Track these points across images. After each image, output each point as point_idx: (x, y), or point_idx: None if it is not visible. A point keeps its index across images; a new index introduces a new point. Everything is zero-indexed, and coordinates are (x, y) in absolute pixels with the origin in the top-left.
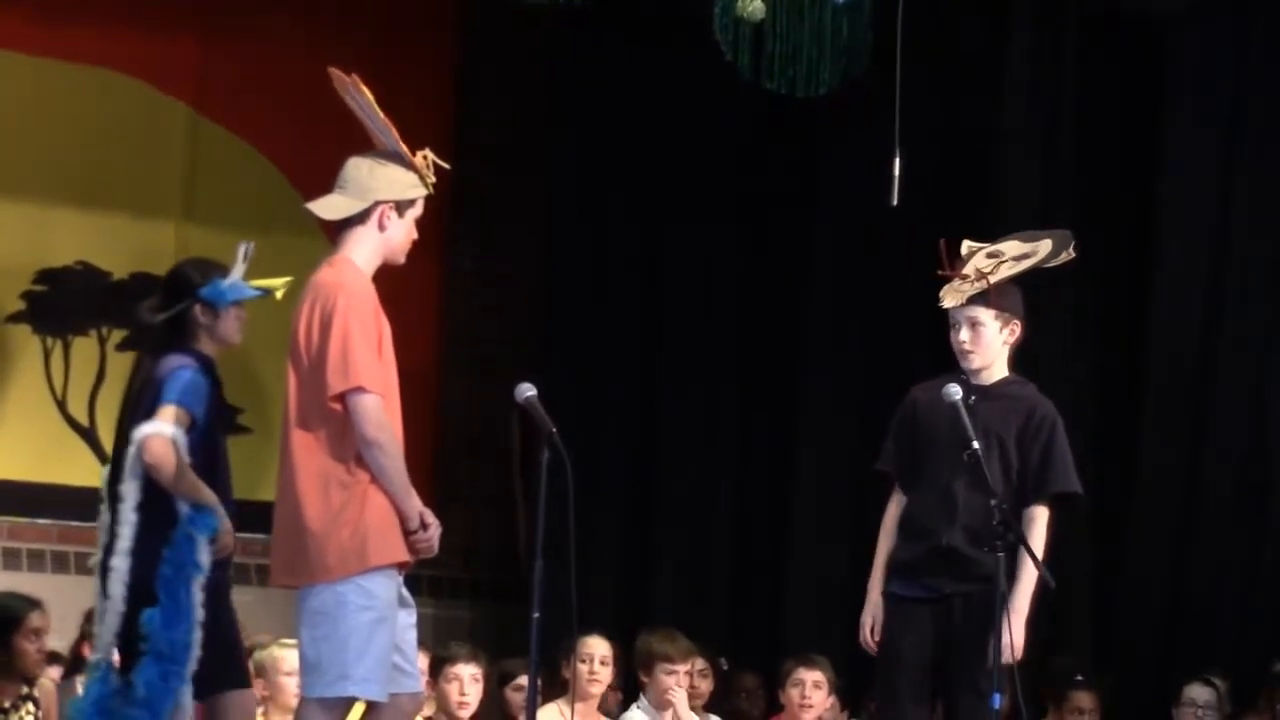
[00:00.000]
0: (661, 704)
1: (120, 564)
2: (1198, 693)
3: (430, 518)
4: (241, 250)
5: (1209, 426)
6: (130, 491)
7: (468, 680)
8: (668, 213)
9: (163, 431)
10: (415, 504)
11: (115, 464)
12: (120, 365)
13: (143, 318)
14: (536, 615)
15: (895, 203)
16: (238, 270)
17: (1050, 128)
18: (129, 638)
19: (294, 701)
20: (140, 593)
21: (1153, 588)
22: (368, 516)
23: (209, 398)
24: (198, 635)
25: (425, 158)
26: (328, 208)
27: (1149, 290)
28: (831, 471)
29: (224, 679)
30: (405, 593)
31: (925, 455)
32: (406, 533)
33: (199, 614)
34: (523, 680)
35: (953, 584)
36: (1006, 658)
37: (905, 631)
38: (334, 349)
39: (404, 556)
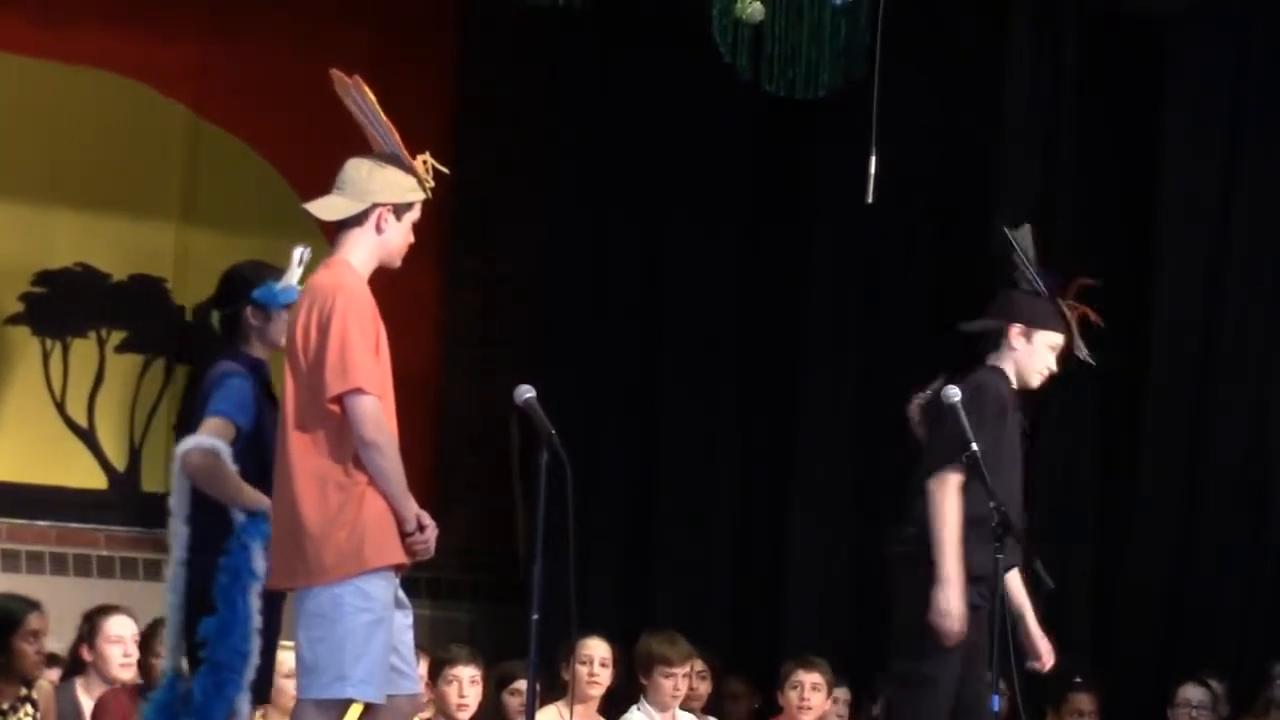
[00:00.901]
0: (662, 705)
1: (173, 574)
2: (1192, 693)
3: (427, 520)
4: (297, 254)
5: (1209, 428)
6: (178, 505)
7: (467, 683)
8: (668, 213)
9: (201, 444)
10: (412, 506)
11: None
12: (119, 367)
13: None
14: (536, 617)
15: (871, 200)
16: (292, 273)
17: (1050, 128)
18: (190, 646)
19: (292, 704)
20: (198, 601)
21: (1152, 589)
22: (365, 518)
23: (255, 403)
24: (255, 643)
25: (425, 162)
26: (325, 209)
27: (1149, 292)
28: (832, 472)
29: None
30: (402, 594)
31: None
32: (404, 535)
33: (256, 621)
34: (520, 684)
35: None
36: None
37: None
38: (332, 351)
39: (401, 559)
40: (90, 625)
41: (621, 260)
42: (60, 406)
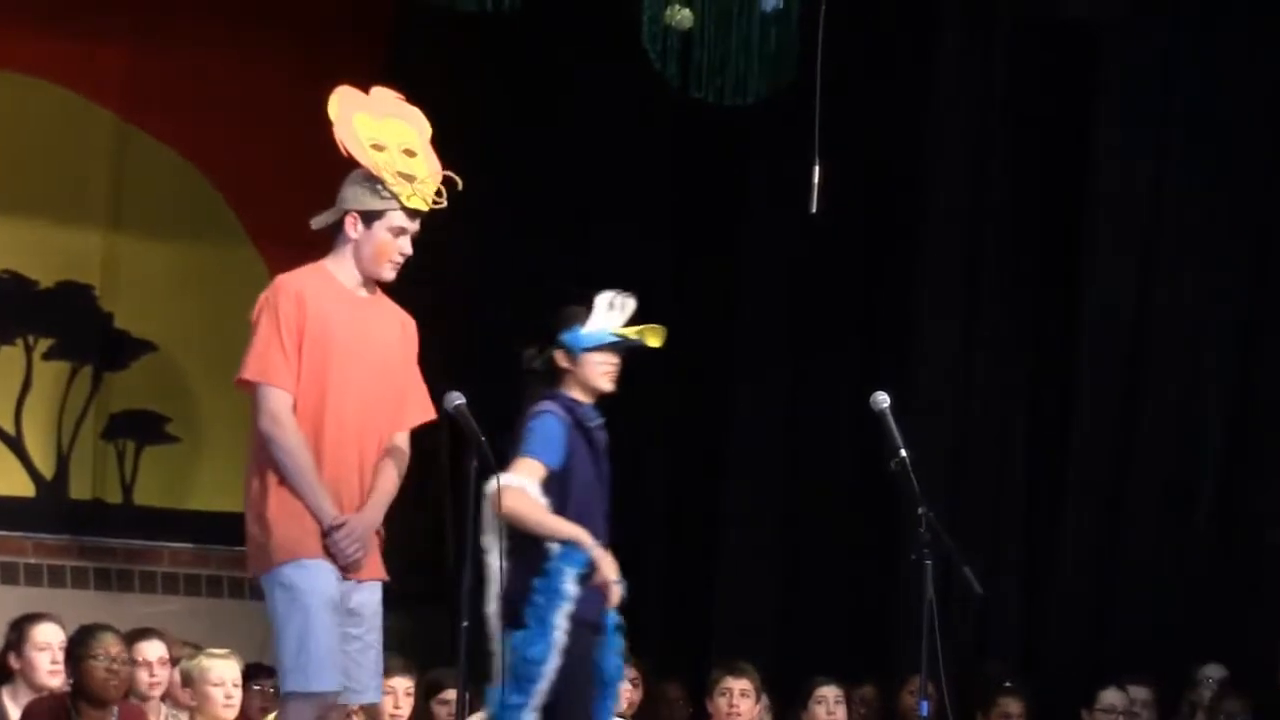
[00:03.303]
0: None
1: (492, 609)
2: (1112, 698)
3: (341, 521)
4: (605, 299)
5: (1137, 432)
6: (491, 543)
7: (401, 694)
8: (599, 220)
9: (510, 483)
10: (325, 506)
11: None
12: (47, 374)
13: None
14: (465, 624)
15: (814, 210)
16: (599, 317)
17: (981, 134)
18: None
19: (221, 711)
20: (513, 624)
21: (1080, 594)
22: (271, 511)
23: (566, 443)
24: (554, 662)
25: (410, 174)
26: (316, 218)
27: (1078, 296)
28: (764, 479)
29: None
30: (364, 597)
31: None
32: (322, 534)
33: (560, 640)
34: (448, 694)
35: None
36: None
37: None
38: (251, 340)
39: (308, 552)
40: (18, 633)
41: (552, 268)
42: None
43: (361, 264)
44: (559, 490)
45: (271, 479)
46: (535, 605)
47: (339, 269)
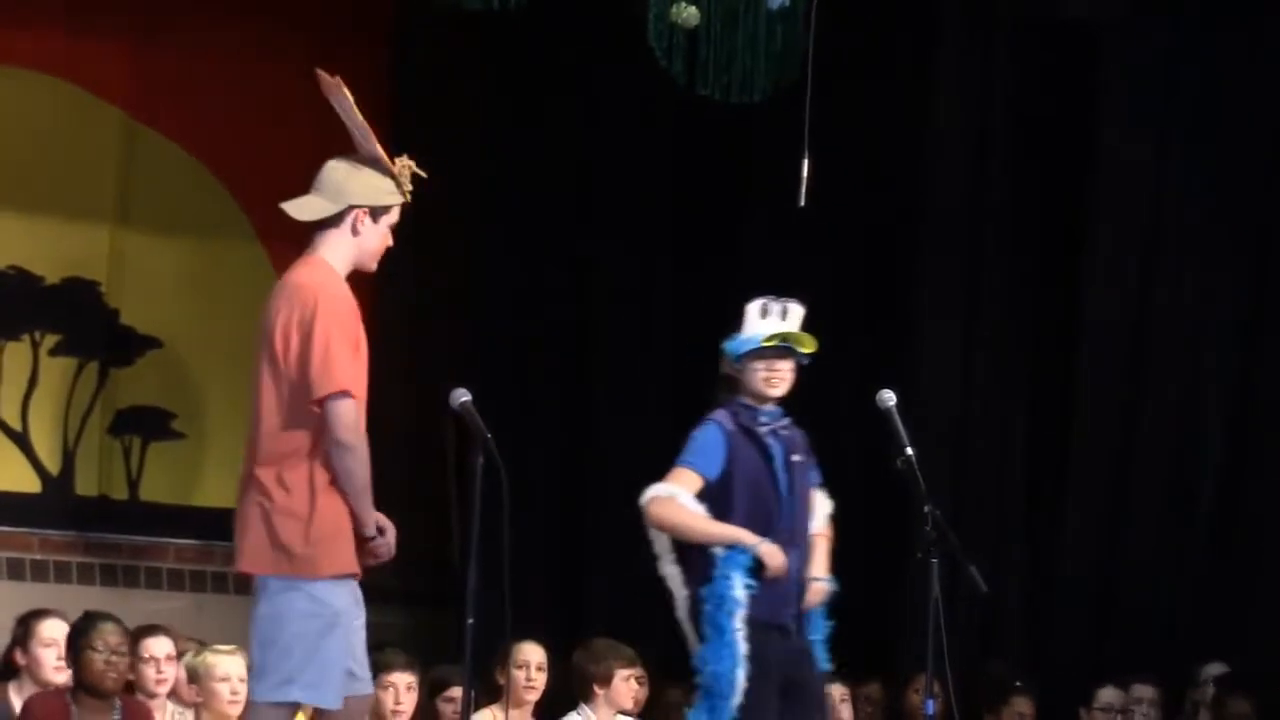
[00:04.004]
0: (617, 708)
1: (681, 616)
2: (1110, 696)
3: (385, 522)
4: (757, 305)
5: (1139, 431)
6: (662, 548)
7: (403, 689)
8: (603, 217)
9: (659, 493)
10: (372, 511)
11: None
12: (53, 370)
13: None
14: (471, 621)
15: (802, 204)
16: (751, 323)
17: (981, 132)
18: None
19: (227, 707)
20: (698, 638)
21: (1084, 592)
22: (322, 523)
23: (725, 449)
24: (742, 669)
25: (406, 166)
26: (302, 209)
27: (1079, 295)
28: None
29: None
30: (358, 594)
31: None
32: (364, 539)
33: (741, 647)
34: (453, 692)
35: None
36: None
37: None
38: (316, 354)
39: (353, 568)
40: (24, 629)
41: (556, 265)
42: None
43: (360, 259)
44: (722, 496)
45: (329, 490)
46: (708, 615)
47: (339, 265)
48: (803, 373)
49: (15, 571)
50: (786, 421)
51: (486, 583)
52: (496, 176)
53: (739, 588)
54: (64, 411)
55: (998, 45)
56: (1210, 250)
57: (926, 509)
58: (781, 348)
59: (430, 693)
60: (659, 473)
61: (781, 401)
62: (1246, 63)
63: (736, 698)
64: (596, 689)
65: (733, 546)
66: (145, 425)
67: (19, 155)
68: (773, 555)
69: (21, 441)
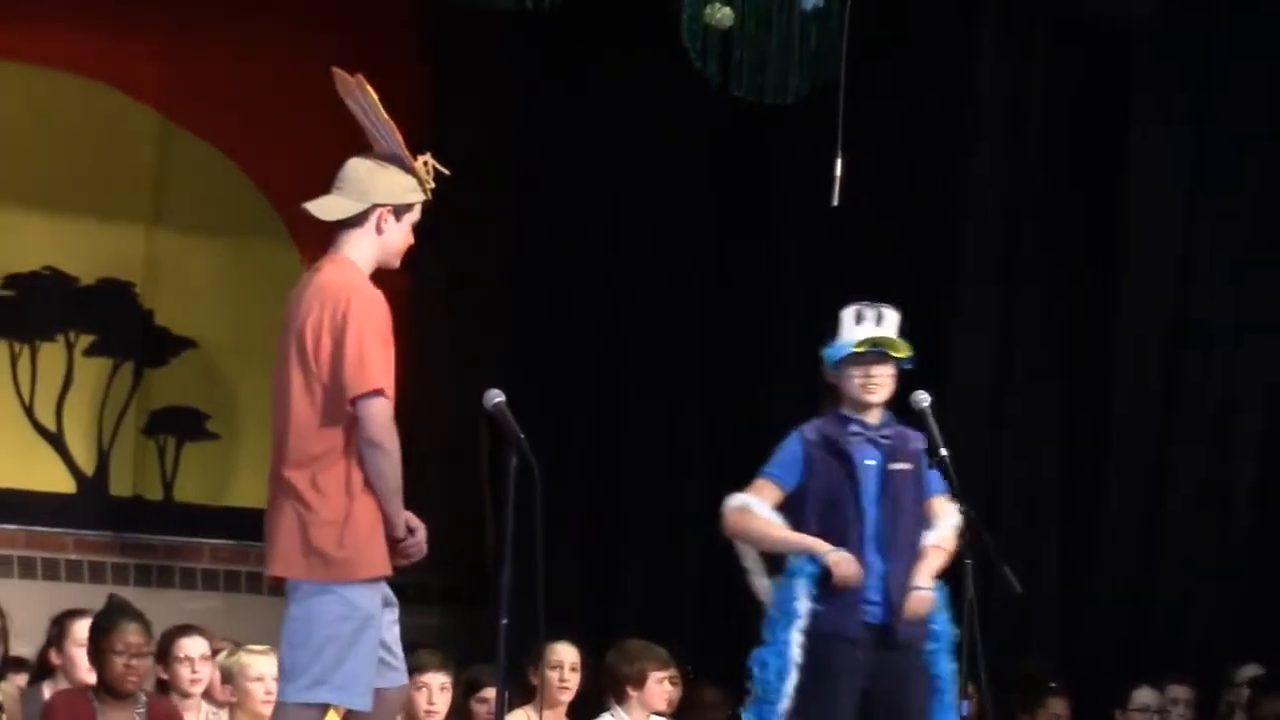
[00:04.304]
0: (650, 709)
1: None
2: (1146, 697)
3: (415, 522)
4: (851, 312)
5: (1176, 432)
6: (749, 564)
7: (436, 689)
8: (635, 218)
9: (733, 503)
10: (402, 511)
11: None
12: (88, 371)
13: None
14: (505, 621)
15: (836, 203)
16: (846, 329)
17: (1017, 130)
18: None
19: (261, 707)
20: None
21: (1119, 593)
22: (357, 527)
23: (804, 460)
24: (792, 678)
25: (426, 163)
26: (325, 209)
27: (1115, 295)
28: None
29: None
30: (389, 592)
31: None
32: (395, 540)
33: (795, 655)
34: (487, 693)
35: None
36: None
37: None
38: (350, 353)
39: (386, 570)
40: (59, 629)
41: (588, 268)
42: (29, 410)
43: (384, 257)
44: (799, 506)
45: (364, 492)
46: (771, 621)
47: (364, 264)
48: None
49: (50, 572)
50: (891, 429)
51: (520, 583)
52: (533, 176)
53: (801, 598)
54: (99, 412)
55: (1034, 45)
56: (1247, 251)
57: (961, 509)
58: (875, 353)
59: (464, 693)
60: (693, 475)
61: (815, 400)
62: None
63: (783, 704)
64: (630, 690)
65: (804, 555)
66: (179, 426)
67: (54, 156)
68: (841, 565)
69: (56, 442)
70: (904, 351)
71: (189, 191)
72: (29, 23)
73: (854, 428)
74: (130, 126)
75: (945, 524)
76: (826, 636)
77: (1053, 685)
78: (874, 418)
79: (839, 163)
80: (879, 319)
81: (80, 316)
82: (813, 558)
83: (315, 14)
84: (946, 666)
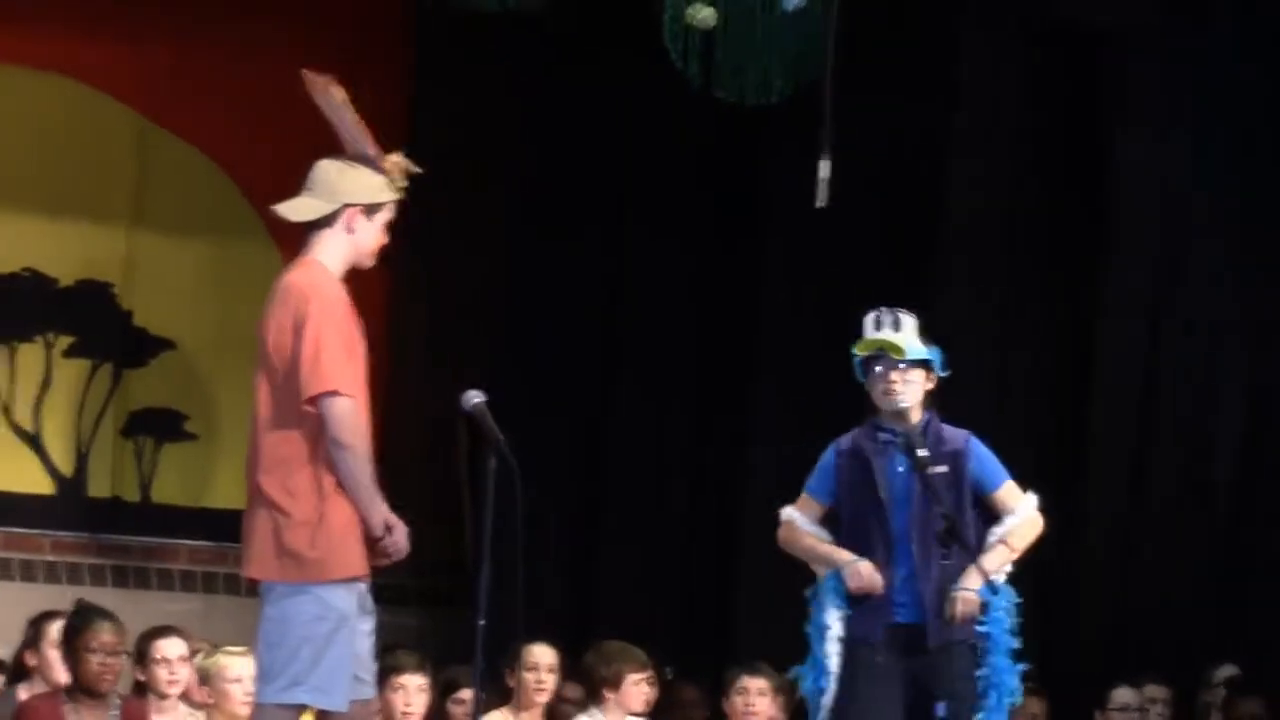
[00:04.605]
0: (627, 711)
1: None
2: (1126, 696)
3: (394, 521)
4: (870, 318)
5: (1157, 428)
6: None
7: (414, 690)
8: (622, 220)
9: (781, 517)
10: (380, 510)
11: None
12: (66, 372)
13: None
14: (482, 623)
15: (821, 204)
16: (865, 336)
17: (1000, 133)
18: None
19: (239, 708)
20: None
21: (1095, 595)
22: (331, 527)
23: (836, 473)
24: (831, 690)
25: (397, 163)
26: (295, 210)
27: (1100, 293)
28: (785, 477)
29: None
30: (369, 600)
31: None
32: (373, 540)
33: (831, 666)
34: (464, 694)
35: None
36: None
37: None
38: (307, 353)
39: (362, 570)
40: (36, 631)
41: (574, 268)
42: (7, 411)
43: (355, 257)
44: (837, 517)
45: (336, 493)
46: (808, 635)
47: (334, 265)
48: (824, 371)
49: (28, 573)
50: (905, 436)
51: (499, 584)
52: (515, 176)
53: (828, 609)
54: (77, 413)
55: (1016, 51)
56: (1228, 254)
57: (940, 511)
58: (885, 357)
59: (442, 694)
60: (677, 479)
61: (800, 399)
62: (1269, 67)
63: (822, 715)
64: (607, 692)
65: (829, 568)
66: (158, 427)
67: (33, 156)
68: (854, 575)
69: (34, 443)
70: (901, 353)
71: (168, 192)
72: (7, 23)
73: (884, 435)
74: (109, 127)
75: (1012, 518)
76: (854, 642)
77: (1030, 685)
78: (908, 421)
79: (824, 164)
80: (896, 324)
81: (59, 317)
82: (835, 575)
83: (298, 15)
84: (994, 667)
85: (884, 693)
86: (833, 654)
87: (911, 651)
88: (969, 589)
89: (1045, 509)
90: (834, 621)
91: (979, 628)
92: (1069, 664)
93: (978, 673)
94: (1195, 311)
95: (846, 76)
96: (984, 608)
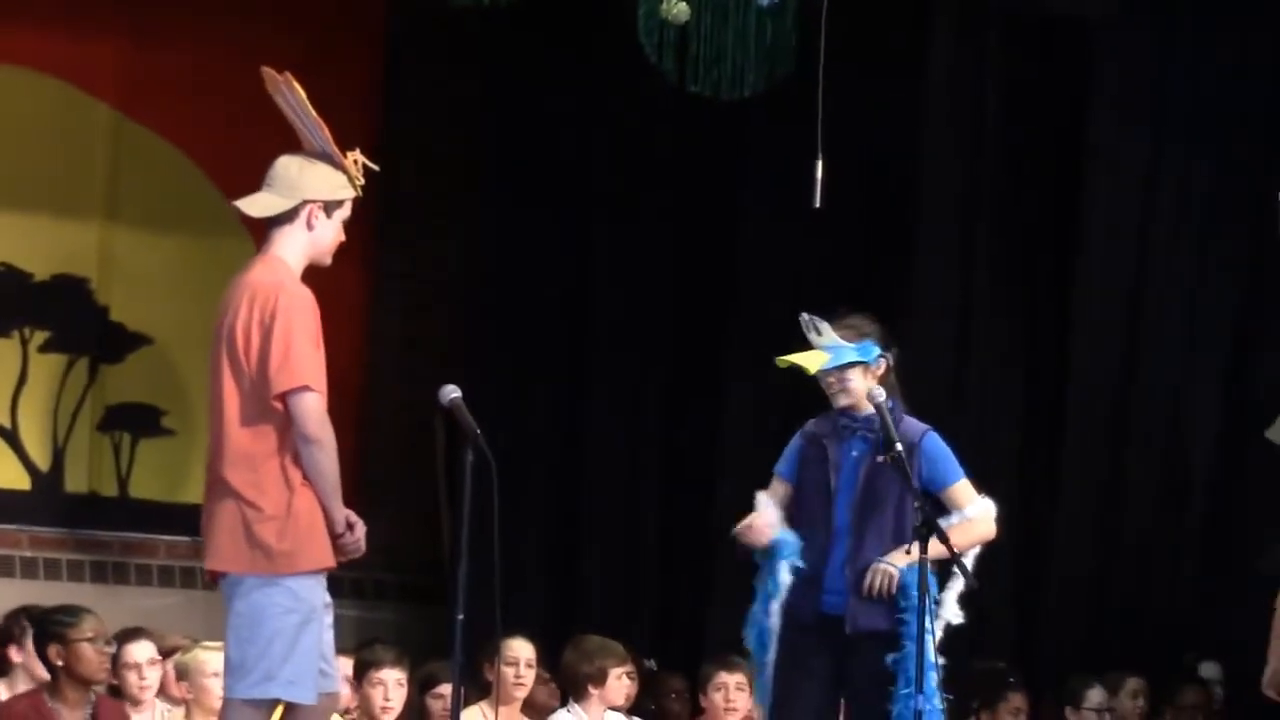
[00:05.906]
0: (610, 705)
1: None
2: (1098, 695)
3: (354, 518)
4: (804, 320)
5: (1131, 425)
6: None
7: (392, 685)
8: (596, 217)
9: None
10: (341, 507)
11: None
12: (42, 367)
13: None
14: (461, 617)
15: (817, 204)
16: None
17: (974, 124)
18: None
19: (217, 704)
20: None
21: (1072, 592)
22: (298, 519)
23: (799, 457)
24: (771, 653)
25: (356, 160)
26: (255, 205)
27: (1072, 289)
28: (760, 473)
29: None
30: (327, 594)
31: None
32: (334, 536)
33: (774, 628)
34: (443, 688)
35: None
36: None
37: None
38: (276, 349)
39: (330, 563)
40: (15, 626)
41: (549, 264)
42: None
43: (314, 253)
44: (796, 501)
45: (303, 487)
46: (754, 610)
47: (294, 261)
48: (797, 375)
49: (5, 569)
50: (858, 427)
51: (477, 579)
52: (487, 173)
53: (785, 574)
54: (53, 408)
55: (991, 42)
56: (1203, 246)
57: (916, 505)
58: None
59: (420, 689)
60: (653, 472)
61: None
62: (1240, 57)
63: (768, 673)
64: (590, 688)
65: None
66: (135, 422)
67: (8, 152)
68: (743, 532)
69: (11, 438)
70: (807, 370)
71: (144, 187)
72: None
73: (844, 420)
74: (84, 122)
75: (956, 515)
76: (788, 616)
77: (1011, 680)
78: (856, 414)
79: (819, 164)
80: (817, 331)
81: (35, 312)
82: (788, 539)
83: (270, 10)
84: (908, 654)
85: (803, 676)
86: (774, 614)
87: (834, 638)
88: (890, 564)
89: (1021, 510)
90: (784, 584)
91: (898, 614)
92: (1046, 660)
93: (890, 657)
94: (1170, 306)
95: (818, 69)
96: (903, 590)
